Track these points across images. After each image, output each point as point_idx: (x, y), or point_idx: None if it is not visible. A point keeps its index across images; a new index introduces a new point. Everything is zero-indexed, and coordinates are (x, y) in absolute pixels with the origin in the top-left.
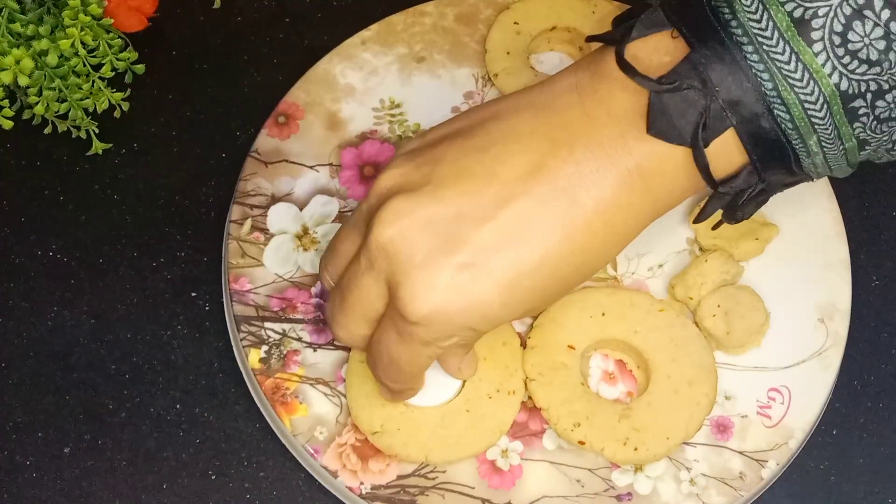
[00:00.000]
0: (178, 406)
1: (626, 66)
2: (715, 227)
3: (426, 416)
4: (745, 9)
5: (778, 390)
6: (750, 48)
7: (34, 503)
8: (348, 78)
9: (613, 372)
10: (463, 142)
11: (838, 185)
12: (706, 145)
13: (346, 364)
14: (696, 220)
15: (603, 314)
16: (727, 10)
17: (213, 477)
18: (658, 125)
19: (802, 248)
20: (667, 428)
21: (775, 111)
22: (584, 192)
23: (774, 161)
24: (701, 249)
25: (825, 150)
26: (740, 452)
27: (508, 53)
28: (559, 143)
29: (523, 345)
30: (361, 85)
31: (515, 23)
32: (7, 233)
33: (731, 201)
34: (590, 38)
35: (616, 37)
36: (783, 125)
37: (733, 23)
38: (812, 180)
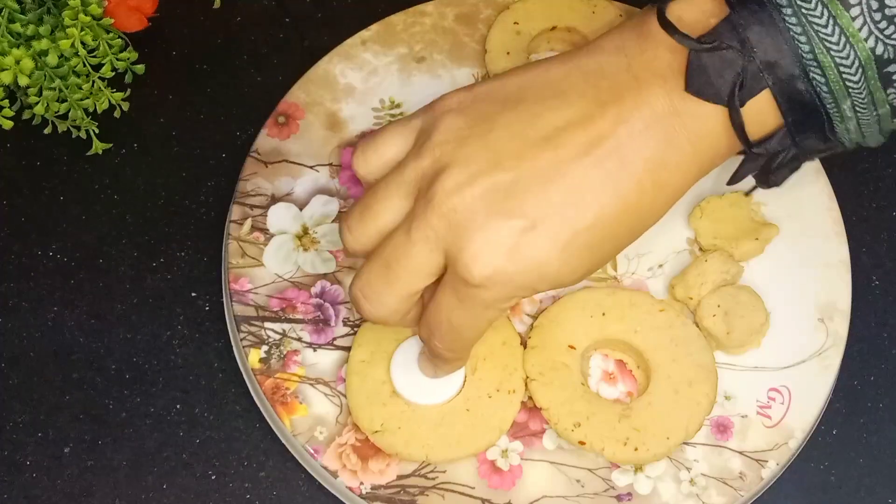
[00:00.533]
0: (178, 406)
1: (667, 25)
2: (749, 193)
3: (426, 415)
4: None
5: (778, 390)
6: (789, 10)
7: (34, 503)
8: (348, 78)
9: (613, 372)
10: (515, 105)
11: (838, 185)
12: (742, 105)
13: (346, 364)
14: (730, 182)
15: (603, 314)
16: None
17: (213, 477)
18: (696, 83)
19: (802, 248)
20: (667, 428)
21: (811, 74)
22: (633, 152)
23: (808, 125)
24: (701, 249)
25: (859, 115)
26: (740, 452)
27: (508, 53)
28: (608, 105)
29: (523, 345)
30: (361, 85)
31: (515, 23)
32: (7, 233)
33: (765, 165)
34: None
35: None
36: (818, 88)
37: None
38: (845, 148)
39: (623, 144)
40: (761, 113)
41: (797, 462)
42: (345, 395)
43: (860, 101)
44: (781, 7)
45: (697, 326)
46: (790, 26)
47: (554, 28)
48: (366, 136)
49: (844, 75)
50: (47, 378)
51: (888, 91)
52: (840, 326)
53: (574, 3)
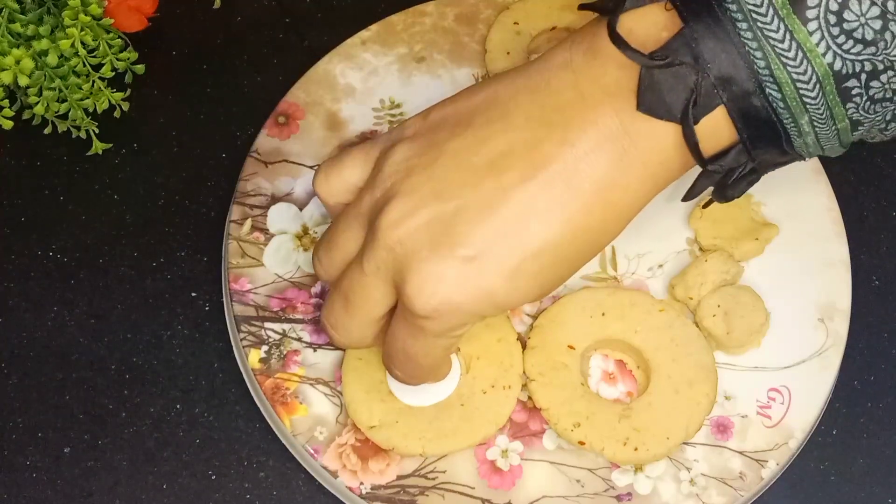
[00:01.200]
0: (178, 406)
1: (617, 40)
2: (705, 206)
3: (423, 410)
4: None
5: (778, 390)
6: (744, 25)
7: (34, 503)
8: (348, 78)
9: (613, 372)
10: (463, 131)
11: (838, 186)
12: (696, 122)
13: (343, 361)
14: (685, 199)
15: (603, 314)
16: None
17: (213, 477)
18: (648, 101)
19: (802, 248)
20: (667, 428)
21: (767, 90)
22: (579, 174)
23: (765, 140)
24: (701, 249)
25: (817, 130)
26: (740, 452)
27: (508, 53)
28: (554, 126)
29: (523, 345)
30: (361, 85)
31: (515, 23)
32: (7, 233)
33: (722, 179)
34: (582, 7)
35: (609, 6)
36: (774, 104)
37: None
38: (804, 160)
39: (569, 167)
40: (716, 129)
41: (797, 462)
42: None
43: (818, 116)
44: (737, 21)
45: (697, 326)
46: (745, 41)
47: (554, 28)
48: (328, 160)
49: (801, 91)
50: (47, 378)
51: (847, 106)
52: (840, 326)
53: (574, 3)
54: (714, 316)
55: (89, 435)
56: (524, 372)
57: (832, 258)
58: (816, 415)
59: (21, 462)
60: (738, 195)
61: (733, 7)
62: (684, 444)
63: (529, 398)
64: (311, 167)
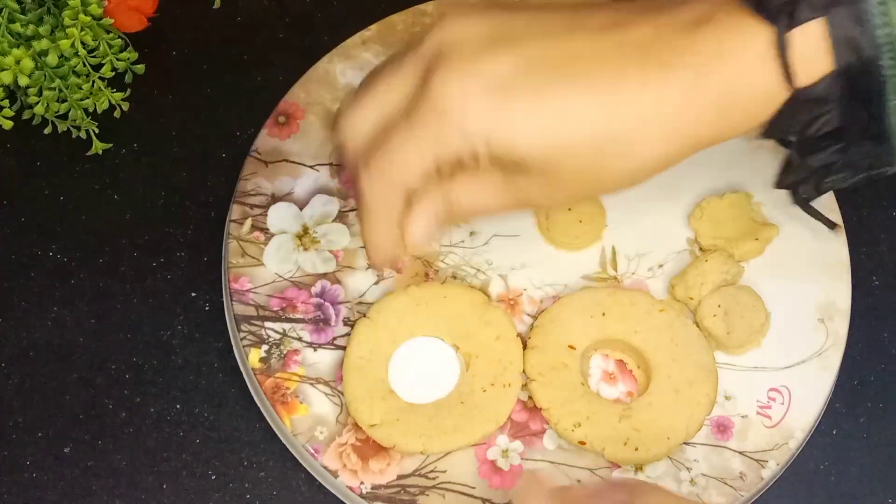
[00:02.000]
0: (178, 406)
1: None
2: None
3: (423, 408)
4: None
5: (778, 390)
6: None
7: (34, 503)
8: (348, 78)
9: (614, 372)
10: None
11: None
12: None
13: (344, 360)
14: (778, 186)
15: (603, 314)
16: None
17: (213, 477)
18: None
19: (802, 248)
20: (667, 428)
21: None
22: (653, 57)
23: (859, 90)
24: (701, 249)
25: None
26: (740, 452)
27: None
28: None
29: (524, 344)
30: None
31: None
32: (7, 233)
33: (818, 172)
34: None
35: None
36: (880, 40)
37: None
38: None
39: (646, 45)
40: (811, 51)
41: (797, 462)
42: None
43: None
44: None
45: (697, 326)
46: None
47: None
48: (351, 104)
49: None
50: (47, 378)
51: None
52: (840, 326)
53: (574, 3)
54: (714, 316)
55: (89, 435)
56: (524, 372)
57: (832, 258)
58: (816, 415)
59: (21, 462)
60: (826, 188)
61: None
62: (684, 444)
63: (530, 398)
64: (311, 167)
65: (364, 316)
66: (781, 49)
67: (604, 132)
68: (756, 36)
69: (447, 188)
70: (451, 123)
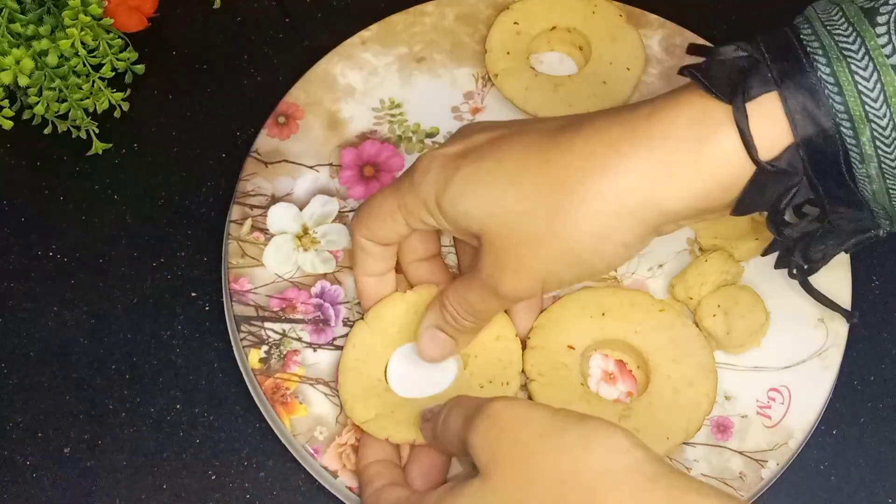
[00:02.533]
0: (178, 406)
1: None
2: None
3: (419, 401)
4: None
5: (778, 390)
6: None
7: (34, 503)
8: (348, 78)
9: (613, 372)
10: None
11: None
12: (747, 100)
13: (340, 360)
14: (768, 251)
15: (603, 314)
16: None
17: (213, 477)
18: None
19: None
20: (667, 428)
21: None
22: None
23: (823, 160)
24: (701, 249)
25: (880, 154)
26: (740, 452)
27: (508, 53)
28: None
29: (523, 344)
30: (361, 85)
31: (515, 23)
32: (7, 233)
33: (799, 240)
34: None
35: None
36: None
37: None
38: (881, 232)
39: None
40: (772, 127)
41: (797, 462)
42: None
43: (881, 134)
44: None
45: (697, 326)
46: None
47: (554, 28)
48: (364, 211)
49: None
50: (47, 378)
51: None
52: (840, 326)
53: (574, 3)
54: (714, 316)
55: (89, 435)
56: (524, 372)
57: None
58: (816, 415)
59: (21, 462)
60: (824, 261)
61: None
62: (684, 444)
63: (529, 398)
64: (311, 167)
65: (361, 318)
66: (739, 125)
67: (544, 225)
68: (714, 114)
69: (441, 296)
70: (412, 183)
